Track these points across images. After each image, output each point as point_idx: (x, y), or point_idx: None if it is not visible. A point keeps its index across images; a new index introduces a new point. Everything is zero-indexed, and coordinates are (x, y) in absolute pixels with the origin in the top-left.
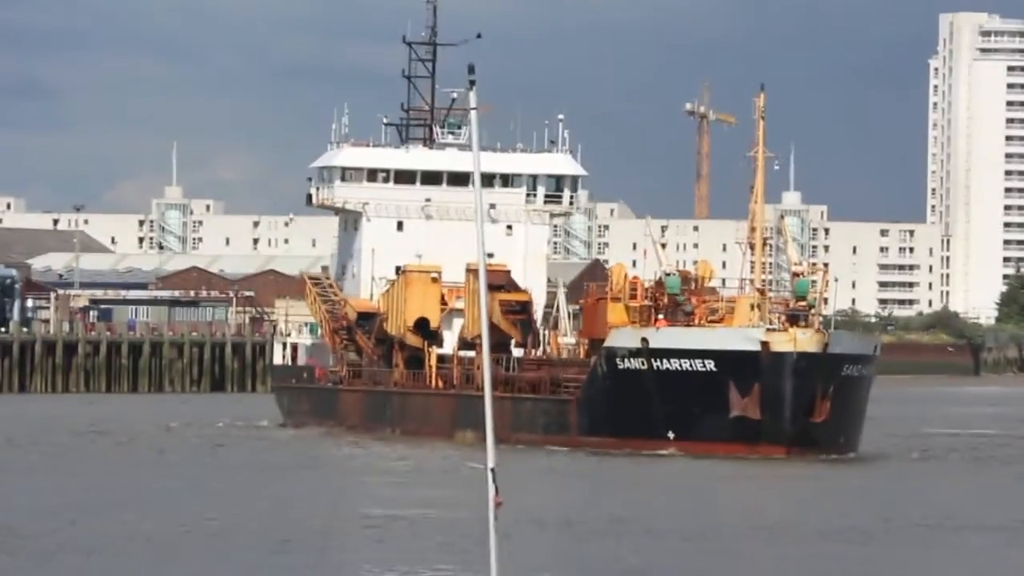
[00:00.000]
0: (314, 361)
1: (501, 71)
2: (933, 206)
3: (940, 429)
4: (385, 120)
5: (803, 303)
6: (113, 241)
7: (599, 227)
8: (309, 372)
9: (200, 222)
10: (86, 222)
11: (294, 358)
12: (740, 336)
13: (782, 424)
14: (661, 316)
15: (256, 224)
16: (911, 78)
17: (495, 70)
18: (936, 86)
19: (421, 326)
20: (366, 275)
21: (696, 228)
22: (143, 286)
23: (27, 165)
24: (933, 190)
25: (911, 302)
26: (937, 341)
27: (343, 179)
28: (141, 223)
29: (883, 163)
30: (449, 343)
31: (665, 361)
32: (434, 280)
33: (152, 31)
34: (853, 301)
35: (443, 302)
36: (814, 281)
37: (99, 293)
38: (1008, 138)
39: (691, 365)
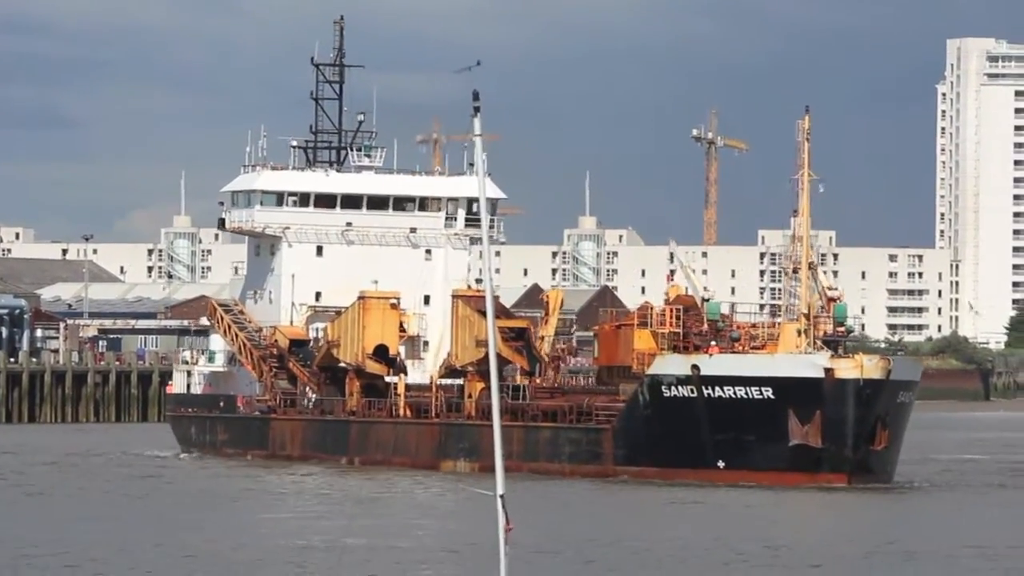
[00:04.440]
0: (212, 389)
1: (502, 98)
2: (942, 231)
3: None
4: (294, 143)
5: (842, 328)
6: (122, 271)
7: (607, 253)
8: (228, 400)
9: (209, 251)
10: (95, 252)
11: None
12: (802, 362)
13: (845, 452)
14: (713, 343)
15: None
16: (919, 103)
17: (495, 97)
18: (944, 111)
19: (379, 353)
20: (286, 301)
21: (705, 254)
22: (152, 315)
23: (38, 195)
24: (942, 215)
25: (920, 327)
26: (947, 366)
27: (262, 203)
28: (150, 252)
29: (891, 188)
30: (411, 370)
31: (717, 388)
32: (393, 306)
33: (168, 63)
34: (862, 327)
35: (402, 329)
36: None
37: (108, 323)
38: (1017, 162)
39: (747, 393)
